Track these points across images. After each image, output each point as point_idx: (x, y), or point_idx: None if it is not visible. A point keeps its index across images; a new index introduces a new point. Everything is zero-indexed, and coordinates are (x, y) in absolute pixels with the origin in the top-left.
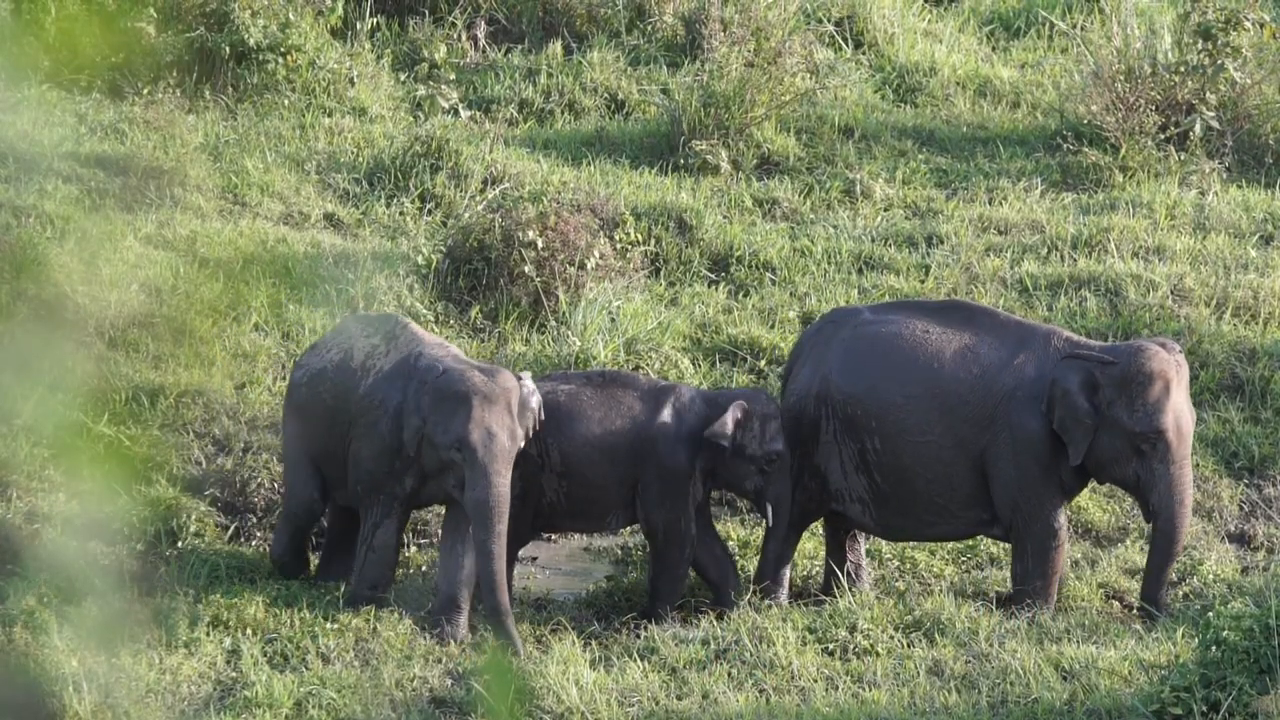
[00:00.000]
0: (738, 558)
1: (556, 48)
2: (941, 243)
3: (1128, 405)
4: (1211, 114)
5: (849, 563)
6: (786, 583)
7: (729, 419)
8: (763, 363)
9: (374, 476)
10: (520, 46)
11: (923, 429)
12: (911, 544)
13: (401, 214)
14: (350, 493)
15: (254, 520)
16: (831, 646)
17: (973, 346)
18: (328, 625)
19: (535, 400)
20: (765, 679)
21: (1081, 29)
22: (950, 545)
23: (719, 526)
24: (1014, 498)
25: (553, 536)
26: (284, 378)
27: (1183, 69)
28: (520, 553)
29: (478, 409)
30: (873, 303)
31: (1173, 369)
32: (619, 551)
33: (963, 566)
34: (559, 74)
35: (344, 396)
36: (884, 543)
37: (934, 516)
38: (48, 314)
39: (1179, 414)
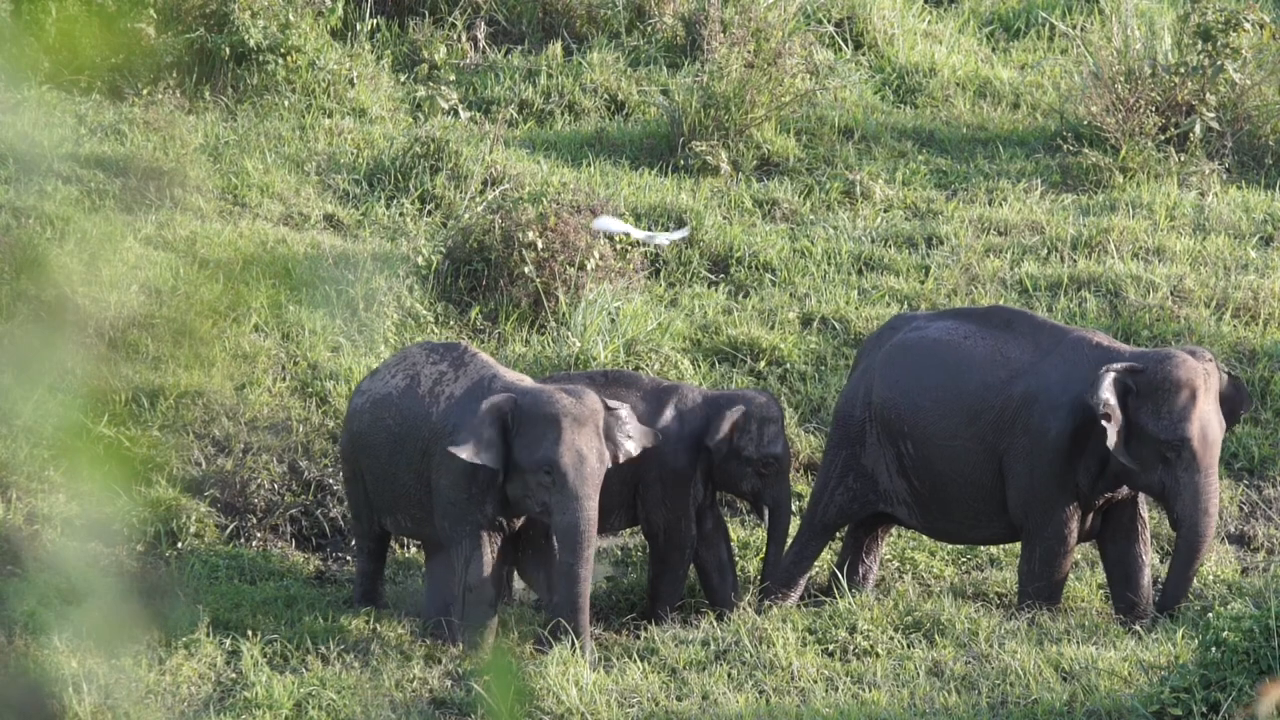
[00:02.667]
0: (737, 558)
1: (556, 49)
2: (941, 244)
3: (1154, 412)
4: (1211, 115)
5: (862, 565)
6: (801, 587)
7: (724, 425)
8: (762, 364)
9: (456, 506)
10: (520, 47)
11: (951, 433)
12: (912, 545)
13: (401, 215)
14: (438, 529)
15: (254, 521)
16: (831, 647)
17: (1002, 350)
18: (328, 626)
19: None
20: (765, 680)
21: (1081, 30)
22: (950, 546)
23: None
24: (1026, 500)
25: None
26: (284, 379)
27: (1182, 70)
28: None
29: (568, 431)
30: (934, 310)
31: (1200, 377)
32: (619, 552)
33: (963, 568)
34: (559, 75)
35: (412, 423)
36: (884, 544)
37: (972, 520)
38: (48, 315)
39: (1205, 423)
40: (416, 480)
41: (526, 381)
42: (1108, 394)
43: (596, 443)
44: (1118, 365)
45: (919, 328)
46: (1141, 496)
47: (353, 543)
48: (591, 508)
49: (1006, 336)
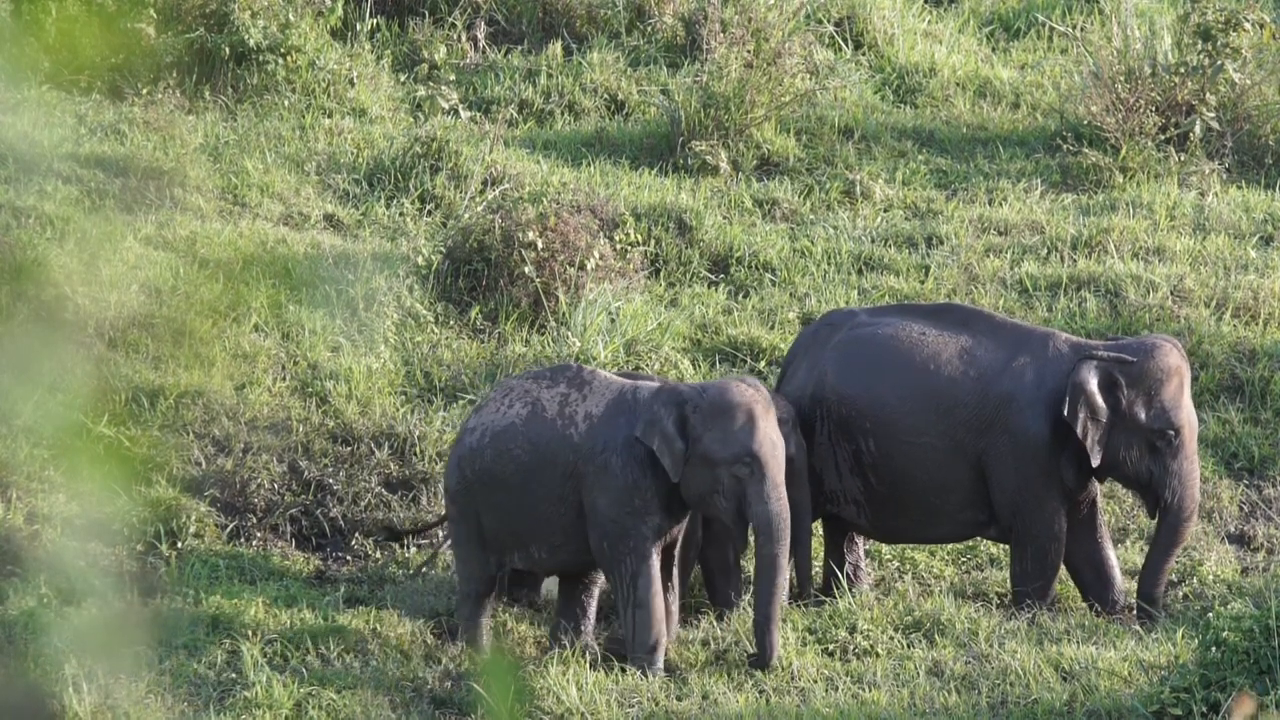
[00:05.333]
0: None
1: (556, 48)
2: (941, 243)
3: (1146, 403)
4: (1211, 115)
5: (848, 564)
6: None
7: None
8: (762, 364)
9: (617, 523)
10: (520, 47)
11: (918, 431)
12: (911, 545)
13: (401, 215)
14: (595, 553)
15: (254, 521)
16: (831, 647)
17: (969, 349)
18: (328, 626)
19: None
20: (765, 680)
21: (1081, 30)
22: (950, 546)
23: None
24: (1014, 501)
25: None
26: (284, 378)
27: (1182, 70)
28: None
29: (761, 420)
30: (869, 305)
31: (1185, 363)
32: None
33: (963, 567)
34: (559, 75)
35: (547, 449)
36: (884, 544)
37: (929, 518)
38: (48, 315)
39: (1190, 408)
40: (559, 507)
41: (670, 384)
42: (1091, 385)
43: (779, 431)
44: (1101, 354)
45: (867, 323)
46: (1099, 491)
47: (459, 586)
48: (785, 495)
49: (968, 335)
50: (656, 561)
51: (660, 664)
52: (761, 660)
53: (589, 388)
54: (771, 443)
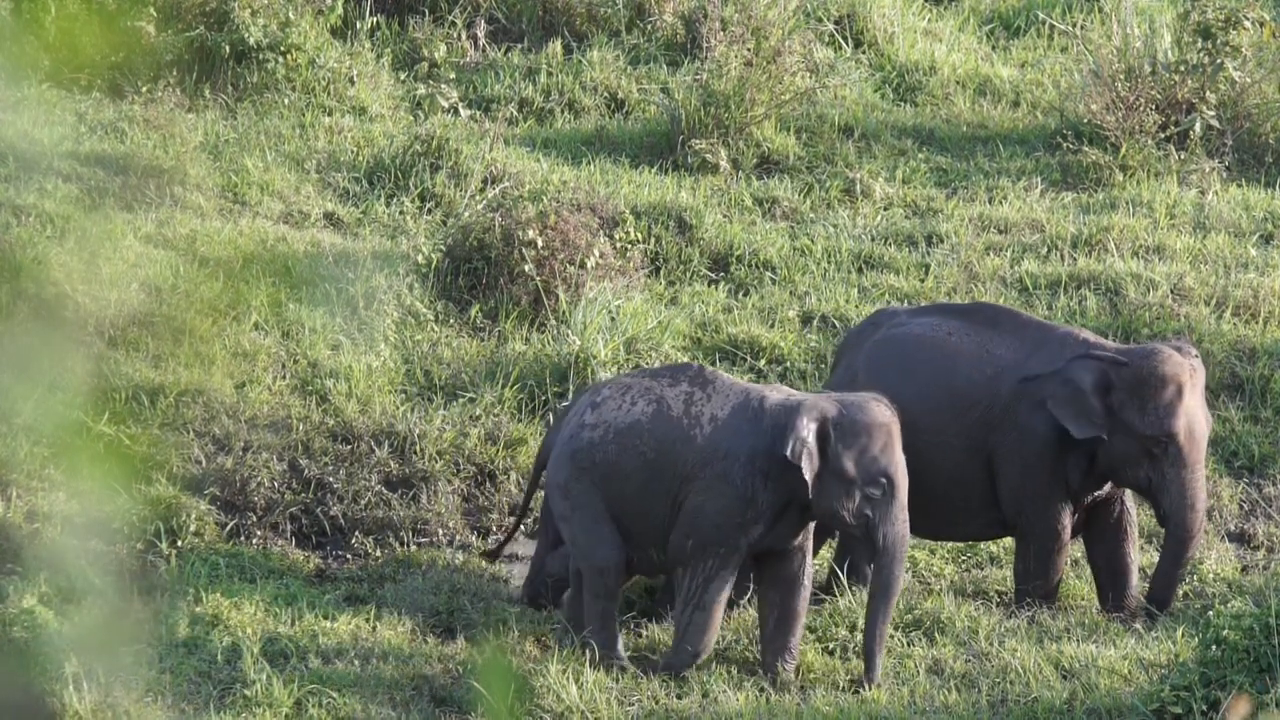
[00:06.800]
0: None
1: (556, 47)
2: (941, 242)
3: (1139, 408)
4: (1211, 113)
5: (861, 562)
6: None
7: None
8: (763, 362)
9: (720, 529)
10: (520, 46)
11: (938, 429)
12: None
13: (401, 213)
14: (675, 546)
15: (254, 519)
16: (832, 645)
17: (989, 347)
18: (328, 624)
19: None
20: (765, 678)
21: (1081, 28)
22: (950, 545)
23: None
24: (1019, 498)
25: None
26: (284, 377)
27: (1182, 68)
28: (520, 553)
29: (896, 442)
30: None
31: (1186, 372)
32: None
33: (962, 565)
34: (559, 73)
35: (670, 449)
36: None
37: (954, 516)
38: (47, 313)
39: (1191, 417)
40: (671, 508)
41: (793, 393)
42: (1085, 384)
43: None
44: (1098, 354)
45: (901, 323)
46: (1128, 493)
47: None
48: (908, 516)
49: (992, 333)
50: (734, 575)
51: (686, 669)
52: (869, 680)
53: (712, 388)
54: (902, 466)
